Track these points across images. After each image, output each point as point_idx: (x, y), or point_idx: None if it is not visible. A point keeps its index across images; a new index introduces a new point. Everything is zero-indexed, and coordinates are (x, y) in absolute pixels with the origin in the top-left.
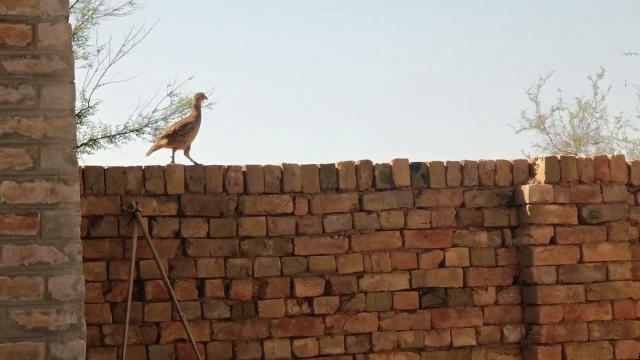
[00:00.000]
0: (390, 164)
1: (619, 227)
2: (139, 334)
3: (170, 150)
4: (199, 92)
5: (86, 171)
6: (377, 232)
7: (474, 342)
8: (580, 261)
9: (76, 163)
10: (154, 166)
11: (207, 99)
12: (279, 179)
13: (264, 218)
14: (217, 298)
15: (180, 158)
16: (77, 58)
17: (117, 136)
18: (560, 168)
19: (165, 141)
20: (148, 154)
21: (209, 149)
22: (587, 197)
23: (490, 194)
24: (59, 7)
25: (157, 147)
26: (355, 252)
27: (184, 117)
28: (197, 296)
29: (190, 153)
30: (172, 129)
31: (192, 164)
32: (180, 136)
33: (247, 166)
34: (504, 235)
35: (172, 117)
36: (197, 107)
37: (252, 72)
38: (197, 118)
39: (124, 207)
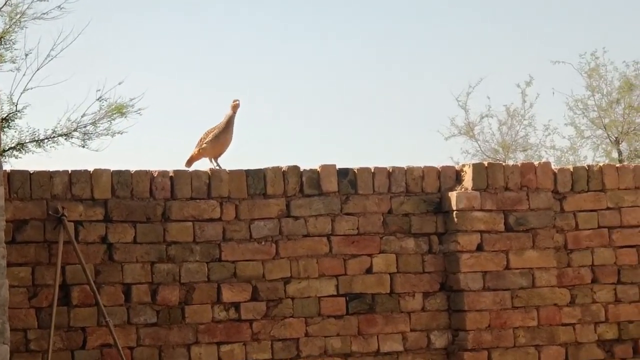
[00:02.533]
0: (318, 169)
1: (545, 234)
2: (65, 339)
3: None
4: (234, 99)
5: (11, 175)
6: (304, 238)
7: (401, 348)
8: (507, 267)
9: (0, 167)
10: (80, 170)
11: (238, 105)
12: (206, 184)
13: (190, 223)
14: (143, 303)
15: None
16: (5, 61)
17: (46, 140)
18: (487, 175)
19: (195, 150)
20: (186, 165)
21: (135, 154)
22: (513, 204)
23: (417, 200)
24: None
25: (190, 158)
26: (282, 258)
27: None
28: (124, 301)
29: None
30: (200, 138)
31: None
32: (205, 144)
33: (174, 171)
34: (431, 241)
35: (101, 122)
36: (229, 116)
37: (180, 76)
38: (225, 126)
39: (49, 212)
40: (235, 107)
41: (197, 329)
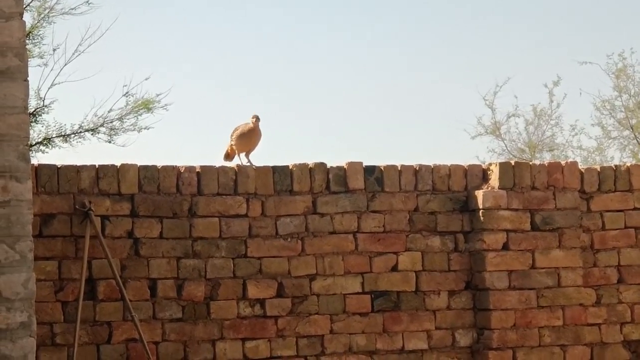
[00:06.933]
0: (345, 167)
1: (571, 234)
2: (90, 334)
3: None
4: (253, 115)
5: (39, 169)
6: (330, 235)
7: (425, 346)
8: (532, 267)
9: (29, 160)
10: (107, 165)
11: (258, 120)
12: (233, 181)
13: (217, 219)
14: (169, 298)
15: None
16: (33, 57)
17: (72, 135)
18: (514, 174)
19: (229, 145)
20: (224, 160)
21: (161, 149)
22: (540, 203)
23: (443, 198)
24: (14, 3)
25: (226, 153)
26: (308, 255)
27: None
28: (149, 296)
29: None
30: (231, 133)
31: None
32: (232, 141)
33: (201, 167)
34: (457, 240)
35: (127, 118)
36: (255, 124)
37: (207, 72)
38: (252, 129)
39: (76, 206)
40: (255, 123)
41: (222, 324)
